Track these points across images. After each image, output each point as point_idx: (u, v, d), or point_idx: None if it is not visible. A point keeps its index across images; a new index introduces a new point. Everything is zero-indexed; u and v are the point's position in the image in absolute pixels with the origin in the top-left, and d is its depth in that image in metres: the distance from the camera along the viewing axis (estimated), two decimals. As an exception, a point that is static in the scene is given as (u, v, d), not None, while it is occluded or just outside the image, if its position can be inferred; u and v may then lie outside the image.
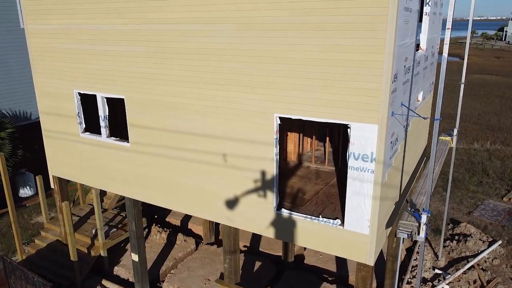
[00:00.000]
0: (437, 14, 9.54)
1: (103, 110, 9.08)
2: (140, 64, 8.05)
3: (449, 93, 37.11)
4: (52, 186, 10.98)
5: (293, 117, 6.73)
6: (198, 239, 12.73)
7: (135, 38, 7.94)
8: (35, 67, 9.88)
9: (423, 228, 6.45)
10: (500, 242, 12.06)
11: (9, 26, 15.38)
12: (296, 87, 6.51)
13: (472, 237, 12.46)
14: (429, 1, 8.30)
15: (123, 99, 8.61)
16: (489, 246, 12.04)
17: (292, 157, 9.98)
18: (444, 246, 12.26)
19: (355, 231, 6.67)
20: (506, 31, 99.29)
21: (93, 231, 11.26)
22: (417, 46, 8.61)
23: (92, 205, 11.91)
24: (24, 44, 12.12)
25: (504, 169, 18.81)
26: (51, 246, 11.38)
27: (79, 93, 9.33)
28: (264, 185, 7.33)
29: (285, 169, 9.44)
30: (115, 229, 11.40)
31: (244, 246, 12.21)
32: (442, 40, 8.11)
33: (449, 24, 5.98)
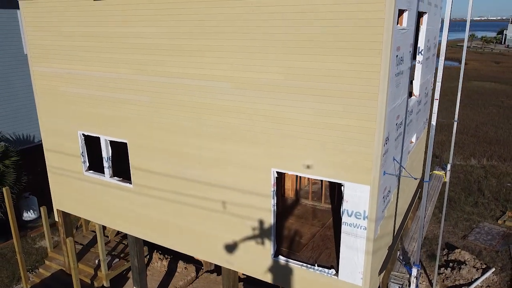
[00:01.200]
0: (430, 56, 9.82)
1: (106, 152, 9.37)
2: (144, 112, 8.34)
3: (448, 102, 37.45)
4: (56, 219, 11.27)
5: (290, 172, 7.02)
6: (198, 265, 13.02)
7: (139, 87, 8.23)
8: (40, 106, 10.17)
9: (413, 281, 6.75)
10: (493, 269, 12.35)
11: (13, 51, 15.67)
12: (293, 146, 6.80)
13: (466, 264, 12.76)
14: (421, 50, 8.58)
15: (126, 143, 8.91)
16: (483, 273, 12.33)
17: (290, 193, 10.27)
18: (438, 273, 12.55)
19: (349, 282, 6.96)
20: (505, 35, 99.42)
21: (96, 261, 11.55)
22: (410, 93, 8.90)
23: (95, 232, 12.20)
24: (26, 68, 12.47)
25: (499, 188, 19.10)
26: (55, 275, 11.68)
27: (83, 134, 9.62)
28: (262, 233, 7.62)
29: (283, 207, 9.73)
30: (117, 259, 11.69)
31: (244, 274, 12.50)
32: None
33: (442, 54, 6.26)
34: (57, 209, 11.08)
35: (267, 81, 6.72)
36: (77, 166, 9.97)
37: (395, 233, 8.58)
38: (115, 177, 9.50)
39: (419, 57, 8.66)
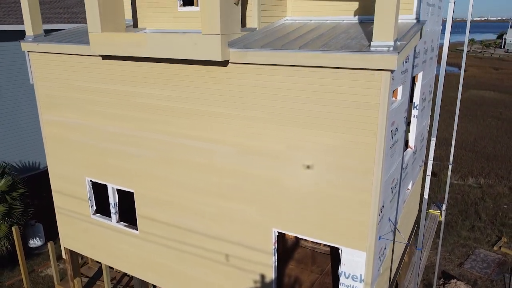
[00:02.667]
0: (426, 105, 10.16)
1: (113, 198, 9.71)
2: (150, 166, 8.67)
3: (447, 112, 37.75)
4: (63, 256, 11.62)
5: (290, 233, 7.37)
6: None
7: (146, 143, 8.57)
8: (49, 151, 10.51)
9: None
10: (488, 301, 12.69)
11: (19, 81, 16.01)
12: (293, 210, 7.14)
13: (462, 295, 13.09)
14: (416, 105, 8.92)
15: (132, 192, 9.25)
16: (477, 305, 12.66)
17: (290, 235, 10.61)
18: (435, 305, 12.89)
19: (346, 337, 7.30)
20: (505, 39, 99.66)
21: (102, 296, 11.90)
22: (406, 144, 9.25)
23: (100, 263, 12.53)
24: (32, 97, 12.81)
25: (496, 211, 19.43)
26: (62, 309, 12.02)
27: (91, 181, 9.96)
28: (263, 286, 7.96)
29: (284, 249, 10.07)
30: (123, 294, 12.04)
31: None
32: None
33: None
34: (64, 247, 11.42)
35: (269, 150, 7.06)
36: (85, 209, 10.31)
37: (391, 281, 8.93)
38: (122, 222, 9.84)
39: (414, 112, 9.00)
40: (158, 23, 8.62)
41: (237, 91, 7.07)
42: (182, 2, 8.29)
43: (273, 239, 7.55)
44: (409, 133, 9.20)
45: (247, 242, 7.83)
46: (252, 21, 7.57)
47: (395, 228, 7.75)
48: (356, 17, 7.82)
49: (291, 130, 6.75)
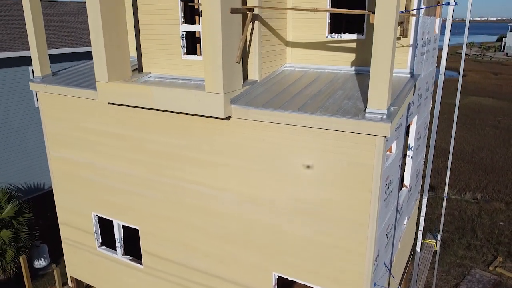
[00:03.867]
0: (421, 141, 10.50)
1: (118, 233, 10.05)
2: (156, 206, 9.01)
3: (445, 121, 38.11)
4: (69, 284, 11.97)
5: (290, 278, 7.71)
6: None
7: (152, 185, 8.90)
8: (56, 185, 10.85)
9: None
10: (482, 325, 13.03)
11: (26, 104, 16.34)
12: (292, 257, 7.48)
13: (457, 318, 13.43)
14: (411, 147, 9.26)
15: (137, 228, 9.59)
16: (472, 328, 13.00)
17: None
18: (431, 328, 13.23)
19: None
20: (504, 42, 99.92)
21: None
22: (401, 183, 9.59)
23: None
24: (38, 120, 13.02)
25: (492, 228, 19.77)
26: (69, 334, 12.36)
27: (97, 215, 10.30)
28: (264, 325, 8.30)
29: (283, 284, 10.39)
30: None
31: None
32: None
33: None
34: (70, 276, 11.77)
35: (269, 199, 7.40)
36: (91, 242, 10.65)
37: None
38: (127, 256, 10.19)
39: (409, 153, 9.34)
40: (163, 68, 8.96)
41: (239, 143, 7.41)
42: (186, 51, 8.62)
43: (273, 282, 7.89)
44: (404, 173, 9.54)
45: (249, 284, 8.17)
46: (253, 73, 7.91)
47: (390, 272, 8.09)
48: (353, 67, 8.16)
49: (290, 182, 7.08)
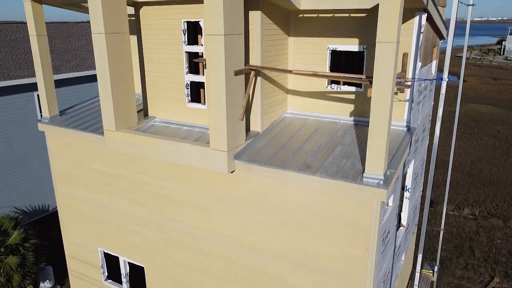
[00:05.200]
0: (418, 179, 10.79)
1: (124, 269, 10.36)
2: (160, 246, 9.31)
3: (444, 130, 38.36)
4: (76, 313, 12.26)
5: (290, 323, 8.01)
6: None
7: (156, 226, 9.21)
8: (63, 220, 11.15)
9: None
10: None
11: (30, 130, 16.66)
12: (293, 304, 7.79)
13: None
14: (408, 188, 9.55)
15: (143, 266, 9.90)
16: None
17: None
18: None
19: None
20: (504, 46, 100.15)
21: None
22: (399, 222, 9.89)
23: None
24: (42, 144, 13.28)
25: (489, 247, 20.07)
26: None
27: (103, 251, 10.60)
28: None
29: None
30: None
31: None
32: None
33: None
34: (77, 305, 12.07)
35: (270, 249, 7.70)
36: (97, 275, 10.95)
37: None
38: (132, 291, 10.49)
39: (406, 194, 9.64)
40: (168, 113, 9.25)
41: (241, 194, 7.71)
42: (190, 99, 8.92)
43: (275, 325, 8.18)
44: (401, 212, 9.84)
45: (251, 325, 8.47)
46: (256, 125, 8.20)
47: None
48: (352, 118, 8.45)
49: (290, 235, 7.38)
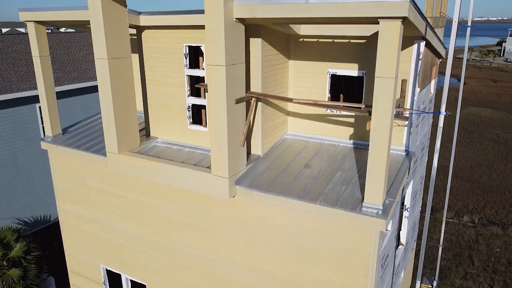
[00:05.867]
0: (417, 196, 10.89)
1: (126, 286, 10.46)
2: (162, 265, 9.42)
3: (443, 136, 38.43)
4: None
5: None
6: None
7: (158, 246, 9.32)
8: (66, 236, 11.27)
9: None
10: None
11: (32, 141, 16.77)
12: (293, 326, 7.90)
13: None
14: (408, 208, 9.66)
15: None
16: None
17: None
18: None
19: None
20: (504, 47, 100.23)
21: None
22: (398, 241, 9.99)
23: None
24: (44, 156, 13.34)
25: (489, 256, 20.19)
26: None
27: (106, 268, 10.71)
28: None
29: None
30: None
31: None
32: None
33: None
34: (79, 320, 12.18)
35: (271, 273, 7.81)
36: (99, 291, 11.07)
37: None
38: (134, 307, 10.60)
39: (405, 213, 9.74)
40: (170, 134, 9.36)
41: (242, 218, 7.82)
42: (192, 121, 9.02)
43: None
44: (400, 231, 9.94)
45: None
46: (257, 148, 8.30)
47: None
48: (351, 141, 8.56)
49: (290, 260, 7.49)
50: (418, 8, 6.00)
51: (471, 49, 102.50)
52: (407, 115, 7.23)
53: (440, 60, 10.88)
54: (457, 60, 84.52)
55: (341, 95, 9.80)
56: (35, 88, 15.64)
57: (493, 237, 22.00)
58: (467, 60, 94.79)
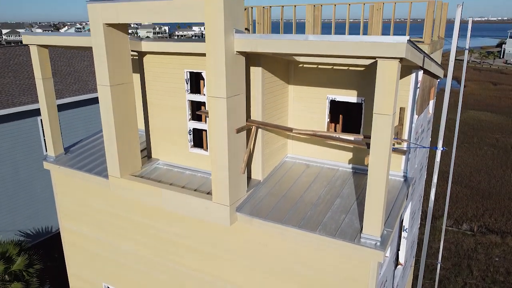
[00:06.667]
0: (416, 215, 11.00)
1: (128, 304, 10.58)
2: (164, 286, 9.54)
3: (444, 138, 38.63)
4: None
5: None
6: None
7: (159, 267, 9.43)
8: (68, 254, 11.38)
9: None
10: None
11: (34, 154, 16.87)
12: None
13: None
14: (406, 229, 9.77)
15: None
16: None
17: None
18: None
19: None
20: (504, 49, 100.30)
21: None
22: (397, 261, 10.11)
23: None
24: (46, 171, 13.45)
25: (487, 265, 20.31)
26: None
27: (108, 286, 10.82)
28: None
29: None
30: None
31: None
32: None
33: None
34: (81, 335, 12.29)
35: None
36: (101, 308, 11.18)
37: None
38: (136, 325, 10.71)
39: (404, 234, 9.85)
40: (171, 156, 9.47)
41: (243, 243, 7.93)
42: (192, 144, 9.14)
43: None
44: (399, 252, 10.06)
45: None
46: (257, 173, 8.42)
47: None
48: (350, 165, 8.67)
49: (289, 286, 7.60)
50: (415, 46, 6.11)
51: (471, 50, 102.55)
52: (405, 148, 7.35)
53: (438, 80, 10.99)
54: (457, 62, 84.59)
55: (340, 116, 9.91)
56: (37, 101, 15.74)
57: (492, 246, 22.12)
58: (467, 61, 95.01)
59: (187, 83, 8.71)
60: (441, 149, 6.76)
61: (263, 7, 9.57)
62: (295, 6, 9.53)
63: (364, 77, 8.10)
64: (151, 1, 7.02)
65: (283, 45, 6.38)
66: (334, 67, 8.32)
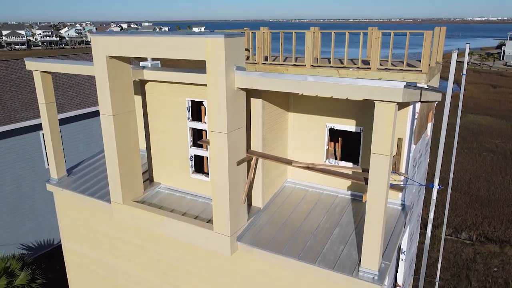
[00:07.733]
0: (414, 236, 11.14)
1: (130, 324, 10.72)
2: (164, 309, 9.69)
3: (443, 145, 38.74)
4: None
5: None
6: None
7: (158, 286, 9.59)
8: (70, 274, 11.52)
9: None
10: None
11: (36, 167, 17.00)
12: None
13: None
14: (404, 251, 9.91)
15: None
16: None
17: None
18: None
19: None
20: (504, 51, 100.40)
21: None
22: (395, 282, 10.24)
23: None
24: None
25: (486, 276, 20.44)
26: None
27: (110, 306, 10.97)
28: None
29: None
30: None
31: None
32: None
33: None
34: None
35: (272, 325, 8.07)
36: (103, 327, 11.32)
37: None
38: None
39: (402, 256, 9.99)
40: (172, 181, 9.60)
41: (243, 271, 8.07)
42: (194, 169, 9.27)
43: None
44: (397, 273, 10.20)
45: None
46: (257, 201, 8.56)
47: None
48: (349, 192, 8.81)
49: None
50: (412, 86, 6.24)
51: (471, 52, 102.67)
52: (402, 185, 7.48)
53: (436, 103, 11.12)
54: (457, 63, 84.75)
55: (339, 140, 10.04)
56: (39, 116, 15.87)
57: (490, 255, 22.25)
58: (467, 63, 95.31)
59: (188, 111, 8.85)
60: (438, 187, 6.90)
61: (263, 32, 9.71)
62: (295, 32, 9.67)
63: (363, 107, 8.23)
64: (156, 36, 7.15)
65: (282, 84, 6.52)
66: (333, 96, 8.44)
